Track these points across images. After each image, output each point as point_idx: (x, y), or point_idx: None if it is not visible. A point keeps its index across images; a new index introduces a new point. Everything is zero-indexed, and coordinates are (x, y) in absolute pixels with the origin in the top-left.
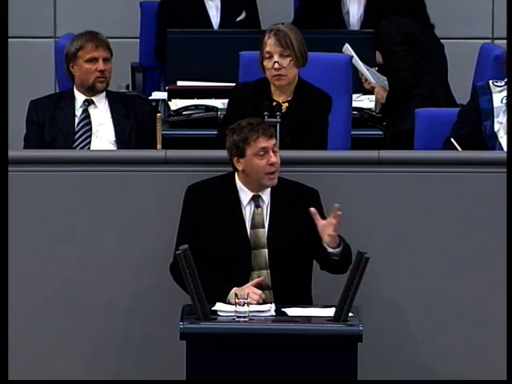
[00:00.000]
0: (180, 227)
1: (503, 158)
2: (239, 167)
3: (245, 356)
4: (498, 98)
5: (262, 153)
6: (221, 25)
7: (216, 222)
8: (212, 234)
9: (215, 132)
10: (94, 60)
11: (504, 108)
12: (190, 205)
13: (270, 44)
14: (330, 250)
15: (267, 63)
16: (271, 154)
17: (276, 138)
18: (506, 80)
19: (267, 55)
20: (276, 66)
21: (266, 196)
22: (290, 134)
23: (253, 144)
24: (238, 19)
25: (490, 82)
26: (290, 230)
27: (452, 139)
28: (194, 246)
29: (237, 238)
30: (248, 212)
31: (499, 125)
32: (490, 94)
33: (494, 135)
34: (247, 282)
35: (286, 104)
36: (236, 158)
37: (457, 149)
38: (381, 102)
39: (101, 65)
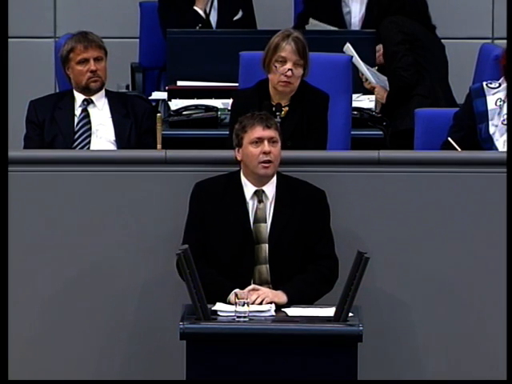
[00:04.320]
0: (187, 224)
1: (503, 157)
2: (239, 157)
3: (245, 356)
4: (493, 100)
5: (256, 141)
6: (218, 24)
7: (221, 218)
8: (217, 229)
9: (215, 132)
10: (84, 61)
11: (498, 110)
12: (197, 201)
13: (289, 50)
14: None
15: (279, 67)
16: (265, 143)
17: (280, 133)
18: (500, 81)
19: (281, 59)
20: (289, 73)
21: (269, 191)
22: (292, 138)
23: (249, 132)
24: (235, 18)
25: (484, 83)
26: (291, 227)
27: (450, 139)
28: (200, 240)
29: (241, 232)
30: (251, 207)
31: (494, 127)
32: (484, 96)
33: (490, 138)
34: (251, 276)
35: (286, 108)
36: (237, 149)
37: (456, 149)
38: (381, 102)
39: (92, 65)
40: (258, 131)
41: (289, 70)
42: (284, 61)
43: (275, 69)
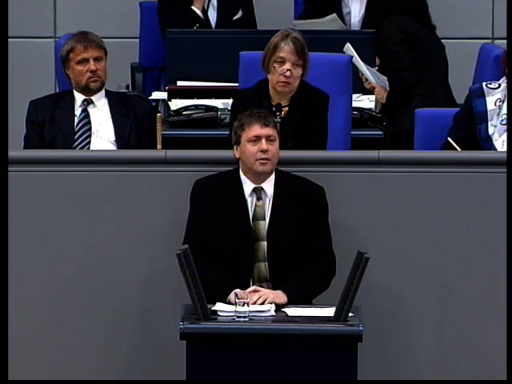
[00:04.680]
0: (188, 222)
1: (503, 157)
2: (237, 155)
3: (245, 356)
4: (492, 100)
5: (254, 139)
6: (217, 23)
7: (221, 215)
8: (217, 227)
9: (215, 132)
10: (84, 61)
11: (498, 110)
12: (197, 199)
13: (287, 50)
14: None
15: (278, 67)
16: (263, 141)
17: (278, 131)
18: (500, 81)
19: (279, 60)
20: (288, 74)
21: (268, 188)
22: (292, 138)
23: (247, 130)
24: (235, 18)
25: (484, 84)
26: (289, 224)
27: (449, 139)
28: (201, 238)
29: (240, 230)
30: (250, 204)
31: (493, 128)
32: (484, 96)
33: (489, 138)
34: (250, 273)
35: (286, 108)
36: (235, 147)
37: (455, 149)
38: (381, 102)
39: (92, 65)
40: (256, 129)
41: (287, 70)
42: (283, 61)
43: (274, 69)
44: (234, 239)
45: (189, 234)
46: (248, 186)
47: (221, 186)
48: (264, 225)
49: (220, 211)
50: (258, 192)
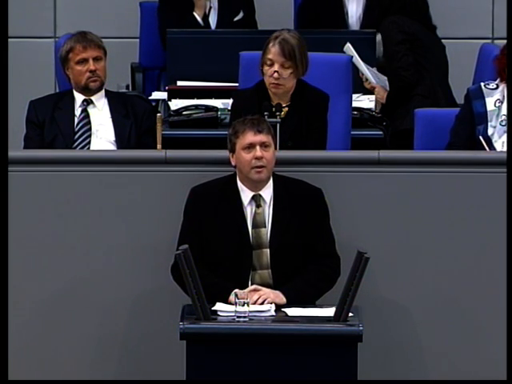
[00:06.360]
0: (182, 228)
1: (503, 157)
2: (233, 163)
3: (245, 356)
4: (491, 101)
5: (248, 147)
6: (218, 24)
7: (218, 223)
8: (214, 235)
9: (215, 132)
10: (84, 61)
11: (497, 111)
12: (193, 206)
13: (274, 52)
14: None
15: (267, 70)
16: (257, 148)
17: (273, 136)
18: (497, 82)
19: (268, 62)
20: (275, 75)
21: (267, 195)
22: (292, 138)
23: (241, 137)
24: (236, 19)
25: (482, 84)
26: (292, 230)
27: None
28: (195, 246)
29: (238, 238)
30: (249, 212)
31: (493, 129)
32: (483, 97)
33: (488, 139)
34: (247, 281)
35: (286, 109)
36: (231, 154)
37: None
38: (381, 102)
39: (91, 65)
40: (249, 137)
41: (275, 72)
42: (271, 63)
43: (265, 71)
44: (232, 247)
45: (182, 242)
46: (246, 193)
47: (218, 194)
48: (265, 232)
49: (217, 219)
50: (256, 199)
